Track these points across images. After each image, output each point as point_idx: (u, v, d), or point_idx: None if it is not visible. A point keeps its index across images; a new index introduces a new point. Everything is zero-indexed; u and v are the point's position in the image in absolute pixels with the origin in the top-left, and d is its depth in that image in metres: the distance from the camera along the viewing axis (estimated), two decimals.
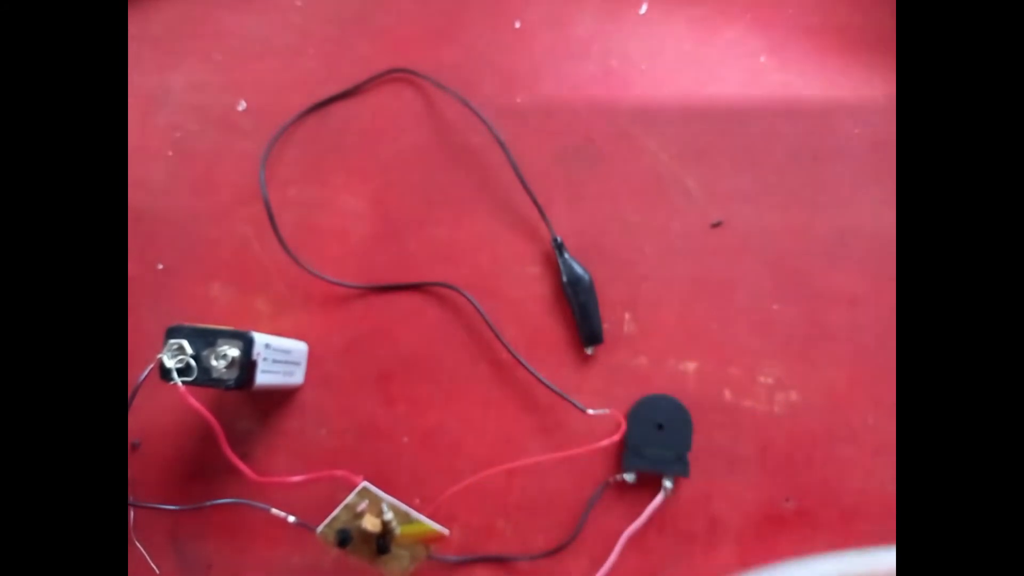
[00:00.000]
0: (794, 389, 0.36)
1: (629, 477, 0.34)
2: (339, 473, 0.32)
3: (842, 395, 0.35)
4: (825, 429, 0.35)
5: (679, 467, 0.34)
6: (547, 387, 0.35)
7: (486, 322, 0.36)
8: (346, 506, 0.32)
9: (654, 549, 0.34)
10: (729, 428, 0.35)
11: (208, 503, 0.35)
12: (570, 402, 0.35)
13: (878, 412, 0.35)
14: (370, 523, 0.31)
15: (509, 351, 0.36)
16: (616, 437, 0.33)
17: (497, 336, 0.36)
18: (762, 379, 0.36)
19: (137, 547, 0.34)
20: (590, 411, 0.35)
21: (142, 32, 0.42)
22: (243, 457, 0.36)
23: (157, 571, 0.35)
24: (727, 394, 0.36)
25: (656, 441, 0.34)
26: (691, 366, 0.36)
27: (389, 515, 0.32)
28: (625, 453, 0.34)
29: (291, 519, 0.33)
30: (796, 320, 0.36)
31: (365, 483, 0.32)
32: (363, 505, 0.32)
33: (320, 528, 0.31)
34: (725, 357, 0.36)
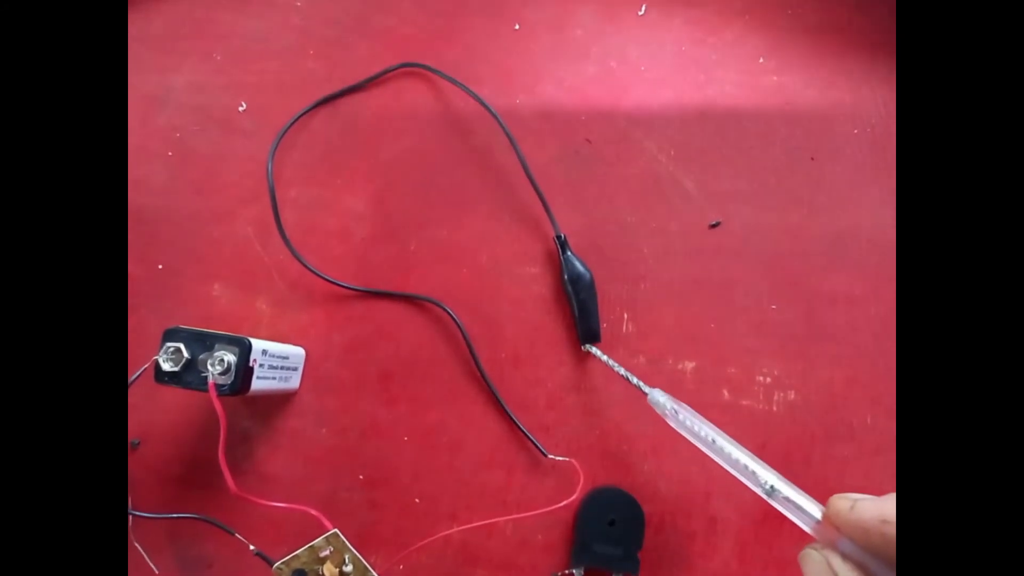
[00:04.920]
0: (792, 389, 0.36)
1: (577, 572, 0.33)
2: (313, 512, 0.32)
3: (840, 395, 0.35)
4: (824, 429, 0.35)
5: (629, 565, 0.33)
6: (517, 426, 0.36)
7: (467, 344, 0.36)
8: (311, 547, 0.32)
9: (654, 549, 0.34)
10: (728, 427, 0.35)
11: (175, 515, 0.35)
12: (534, 443, 0.35)
13: (877, 412, 0.35)
14: (328, 572, 0.31)
15: (484, 379, 0.36)
16: (575, 498, 0.34)
17: (475, 360, 0.36)
18: (760, 379, 0.36)
19: (137, 548, 0.34)
20: (550, 456, 0.35)
21: (142, 32, 0.42)
22: (244, 457, 0.36)
23: (157, 571, 0.35)
24: (725, 393, 0.36)
25: (606, 537, 0.33)
26: (689, 365, 0.36)
27: (349, 567, 0.32)
28: (574, 548, 0.34)
29: (251, 548, 0.33)
30: (794, 320, 0.36)
31: (336, 530, 0.32)
32: (327, 551, 0.32)
33: (278, 564, 0.32)
34: (723, 357, 0.36)
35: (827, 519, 0.22)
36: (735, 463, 0.27)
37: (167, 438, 0.37)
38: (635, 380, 0.33)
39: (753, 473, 0.26)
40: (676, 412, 0.30)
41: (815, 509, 0.24)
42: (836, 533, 0.22)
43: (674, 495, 0.35)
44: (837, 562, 0.21)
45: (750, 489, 0.27)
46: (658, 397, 0.31)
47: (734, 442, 0.28)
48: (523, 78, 0.40)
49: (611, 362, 0.34)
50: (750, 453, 0.27)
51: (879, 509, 0.20)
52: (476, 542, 0.35)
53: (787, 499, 0.25)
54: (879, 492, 0.21)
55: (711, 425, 0.29)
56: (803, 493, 0.25)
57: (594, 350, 0.35)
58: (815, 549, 0.22)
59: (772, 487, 0.25)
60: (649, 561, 0.34)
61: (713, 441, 0.28)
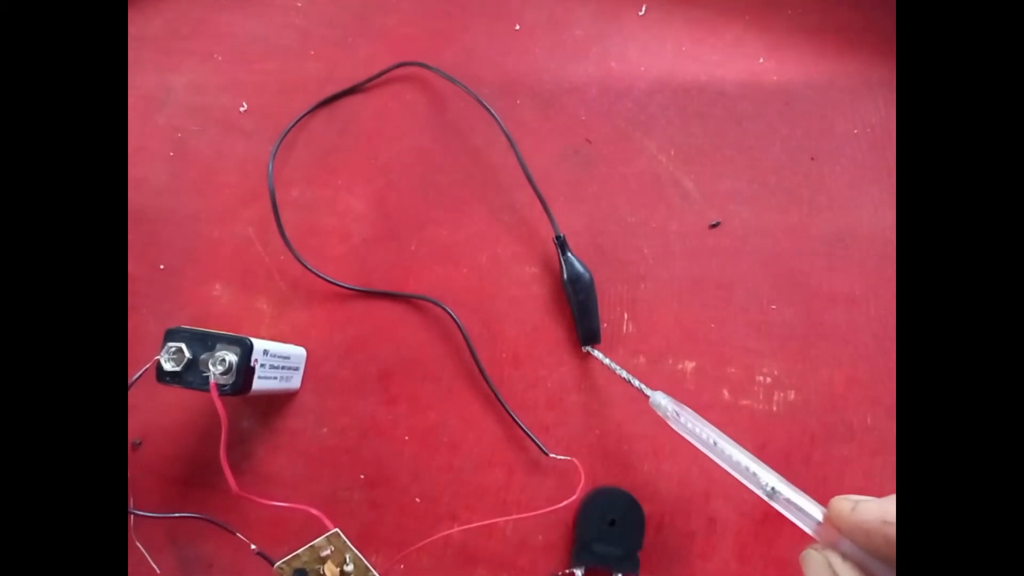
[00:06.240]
0: (792, 389, 0.36)
1: (578, 572, 0.33)
2: (314, 512, 0.32)
3: (840, 395, 0.35)
4: (824, 429, 0.35)
5: (629, 565, 0.33)
6: (517, 425, 0.36)
7: (467, 344, 0.36)
8: (311, 547, 0.32)
9: (654, 549, 0.34)
10: (727, 428, 0.35)
11: (177, 515, 0.35)
12: (535, 442, 0.35)
13: (876, 412, 0.35)
14: (330, 571, 0.31)
15: (484, 379, 0.36)
16: (575, 498, 0.33)
17: (475, 360, 0.36)
18: (760, 379, 0.36)
19: (138, 547, 0.34)
20: (551, 455, 0.35)
21: (142, 32, 0.42)
22: (245, 456, 0.36)
23: (158, 571, 0.35)
24: (725, 394, 0.36)
25: (607, 537, 0.33)
26: (689, 365, 0.36)
27: (350, 567, 0.32)
28: (574, 548, 0.34)
29: (253, 547, 0.33)
30: (794, 320, 0.36)
31: (337, 530, 0.32)
32: (328, 551, 0.32)
33: (279, 563, 0.32)
34: (723, 357, 0.36)
35: (828, 520, 0.22)
36: (736, 465, 0.27)
37: (168, 438, 0.37)
38: (637, 383, 0.33)
39: (754, 475, 0.26)
40: (678, 415, 0.30)
41: (816, 510, 0.24)
42: (837, 534, 0.22)
43: (674, 495, 0.35)
44: (838, 562, 0.21)
45: (750, 489, 0.27)
46: (660, 400, 0.31)
47: (736, 444, 0.28)
48: (523, 78, 0.40)
49: (613, 364, 0.34)
50: (751, 455, 0.27)
51: (881, 510, 0.20)
52: (476, 542, 0.35)
53: (788, 501, 0.25)
54: (879, 492, 0.21)
55: (713, 427, 0.29)
56: (804, 495, 0.25)
57: (596, 353, 0.35)
58: (816, 550, 0.22)
59: (773, 489, 0.25)
60: (649, 561, 0.34)
61: (715, 443, 0.28)
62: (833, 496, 0.23)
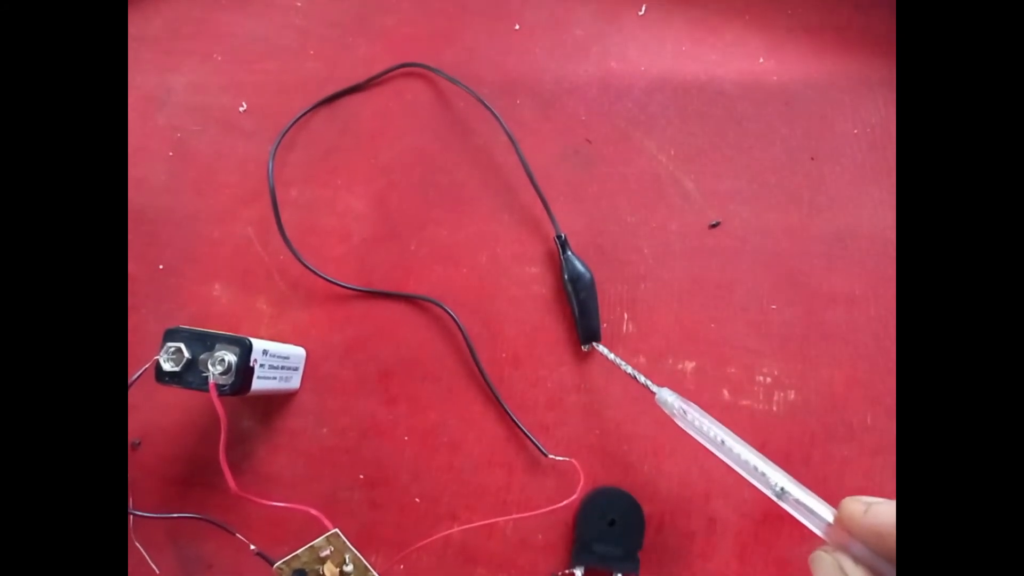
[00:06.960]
0: (792, 389, 0.36)
1: (578, 572, 0.33)
2: (313, 512, 0.32)
3: (840, 395, 0.35)
4: (824, 429, 0.35)
5: (629, 565, 0.33)
6: (517, 426, 0.36)
7: (467, 344, 0.36)
8: (311, 547, 0.32)
9: (654, 549, 0.34)
10: (728, 427, 0.35)
11: (176, 515, 0.35)
12: (534, 443, 0.35)
13: (876, 412, 0.35)
14: (329, 572, 0.31)
15: (484, 379, 0.36)
16: (575, 498, 0.33)
17: (475, 360, 0.36)
18: (760, 379, 0.36)
19: (138, 548, 0.34)
20: (551, 456, 0.35)
21: (142, 32, 0.42)
22: (244, 456, 0.36)
23: (157, 571, 0.35)
24: (725, 394, 0.36)
25: (607, 537, 0.33)
26: (689, 365, 0.36)
27: (349, 567, 0.32)
28: (574, 548, 0.34)
29: (252, 547, 0.33)
30: (794, 320, 0.36)
31: (336, 530, 0.32)
32: (327, 551, 0.32)
33: (278, 563, 0.32)
34: (723, 357, 0.36)
35: (839, 522, 0.22)
36: (744, 464, 0.27)
37: (167, 438, 0.37)
38: (643, 379, 0.33)
39: (763, 475, 0.26)
40: (685, 412, 0.30)
41: (826, 512, 0.24)
42: (847, 536, 0.22)
43: (674, 495, 0.35)
44: (849, 565, 0.21)
45: (750, 489, 0.27)
46: (667, 397, 0.31)
47: (743, 443, 0.28)
48: (523, 78, 0.40)
49: (618, 360, 0.34)
50: (759, 454, 0.27)
51: (894, 513, 0.20)
52: (476, 542, 0.35)
53: (797, 501, 0.25)
54: (879, 492, 0.21)
55: (720, 425, 0.29)
56: (813, 495, 0.25)
57: (602, 348, 0.35)
58: (826, 552, 0.22)
59: (783, 489, 0.25)
60: (649, 561, 0.34)
61: (722, 442, 0.28)
62: (836, 496, 0.22)
